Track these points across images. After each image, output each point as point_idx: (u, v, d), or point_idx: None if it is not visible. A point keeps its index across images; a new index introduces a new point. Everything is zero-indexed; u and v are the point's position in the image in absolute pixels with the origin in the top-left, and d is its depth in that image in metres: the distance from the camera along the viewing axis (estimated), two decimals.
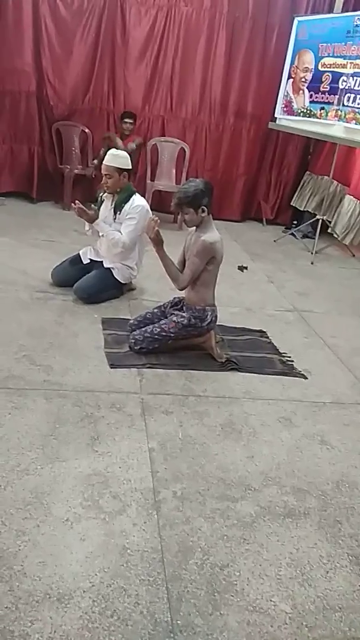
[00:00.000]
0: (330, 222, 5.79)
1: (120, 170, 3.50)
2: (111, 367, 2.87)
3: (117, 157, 3.51)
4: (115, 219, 3.61)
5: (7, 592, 1.57)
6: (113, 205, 3.61)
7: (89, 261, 3.74)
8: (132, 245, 3.61)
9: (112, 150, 3.59)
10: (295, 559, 1.85)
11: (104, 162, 3.54)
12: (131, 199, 3.57)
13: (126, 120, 5.63)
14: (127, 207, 3.56)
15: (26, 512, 1.86)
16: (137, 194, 3.64)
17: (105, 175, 3.52)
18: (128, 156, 3.58)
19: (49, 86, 5.70)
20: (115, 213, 3.61)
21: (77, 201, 3.53)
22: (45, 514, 1.87)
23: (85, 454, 2.19)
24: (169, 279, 3.07)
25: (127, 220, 3.56)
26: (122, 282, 3.73)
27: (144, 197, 5.34)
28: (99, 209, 3.68)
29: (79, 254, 3.80)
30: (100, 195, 3.72)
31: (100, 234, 3.65)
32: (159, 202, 6.01)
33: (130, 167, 3.60)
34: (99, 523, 1.87)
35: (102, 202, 3.71)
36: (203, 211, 2.89)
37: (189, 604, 1.63)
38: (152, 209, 5.74)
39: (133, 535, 1.84)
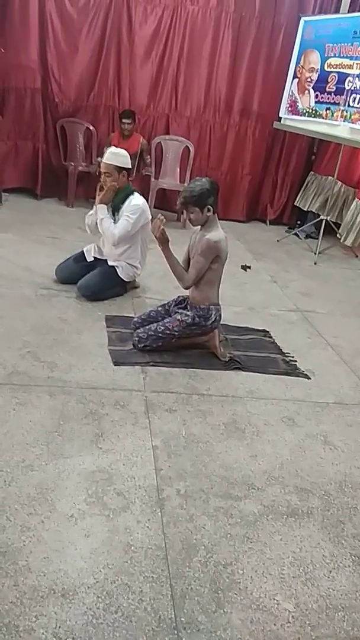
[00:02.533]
0: (334, 222, 5.79)
1: (120, 169, 3.48)
2: (115, 365, 2.88)
3: (117, 156, 3.49)
4: (114, 220, 3.58)
5: (12, 586, 1.58)
6: (111, 205, 3.59)
7: (92, 259, 3.74)
8: (121, 241, 3.55)
9: (112, 149, 3.57)
10: (299, 558, 1.86)
11: (103, 161, 3.53)
12: (128, 199, 3.54)
13: (124, 120, 5.58)
14: (124, 206, 3.53)
15: (31, 507, 1.87)
16: (135, 193, 3.61)
17: (105, 173, 3.50)
18: (128, 155, 3.56)
19: (54, 83, 5.70)
20: (113, 213, 3.59)
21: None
22: (49, 509, 1.87)
23: (89, 451, 2.19)
24: (172, 277, 3.08)
25: (122, 217, 3.52)
26: (126, 280, 3.73)
27: (147, 196, 5.36)
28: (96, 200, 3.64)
29: (83, 251, 3.80)
30: (99, 193, 3.68)
31: (98, 220, 3.59)
32: (163, 201, 6.02)
33: (130, 166, 3.58)
34: (103, 520, 1.87)
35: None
36: (209, 210, 2.89)
37: (192, 602, 1.64)
38: (156, 207, 5.81)
39: (137, 532, 1.84)
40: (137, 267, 3.75)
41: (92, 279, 3.59)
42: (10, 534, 1.75)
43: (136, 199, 3.56)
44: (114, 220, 3.58)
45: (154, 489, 2.05)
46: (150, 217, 3.54)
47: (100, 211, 3.57)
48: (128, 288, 3.82)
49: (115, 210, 3.58)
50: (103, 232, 3.57)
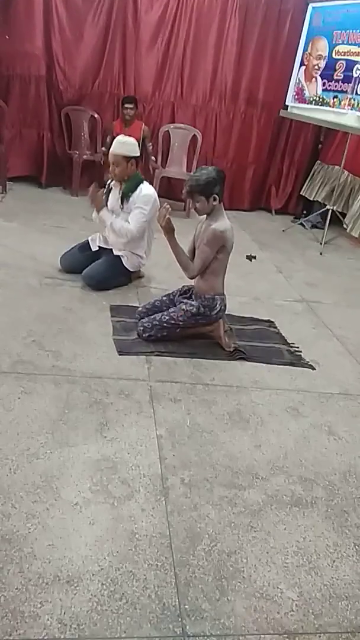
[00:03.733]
0: (340, 212, 5.75)
1: (128, 158, 3.46)
2: (120, 354, 2.88)
3: (125, 145, 3.46)
4: (122, 208, 3.57)
5: (18, 573, 1.59)
6: (120, 194, 3.57)
7: (97, 248, 3.73)
8: (140, 234, 3.58)
9: (120, 138, 3.54)
10: (302, 548, 1.86)
11: (111, 150, 3.49)
12: (139, 188, 3.52)
13: (126, 105, 5.52)
14: (134, 196, 3.51)
15: (36, 495, 1.88)
16: (145, 182, 3.60)
17: (113, 163, 3.47)
18: (136, 143, 3.53)
19: (59, 70, 5.65)
20: (122, 202, 3.56)
21: (95, 183, 3.47)
22: (54, 497, 1.88)
23: (94, 440, 2.20)
24: (177, 267, 3.06)
25: (135, 209, 3.51)
26: (131, 270, 3.72)
27: (152, 184, 5.32)
28: (107, 198, 3.65)
29: (87, 240, 3.79)
30: (109, 182, 3.68)
31: (107, 226, 3.60)
32: (168, 189, 5.99)
33: (138, 154, 3.56)
34: (107, 508, 1.88)
35: (110, 190, 3.66)
36: (215, 199, 2.87)
37: (196, 589, 1.65)
38: (161, 197, 5.72)
39: (142, 521, 1.85)
40: (143, 256, 3.74)
41: (97, 269, 3.59)
42: (16, 522, 1.76)
43: (147, 188, 3.54)
44: (122, 207, 3.56)
45: (159, 478, 2.06)
46: (159, 205, 3.53)
47: (104, 217, 3.55)
48: (133, 278, 3.82)
49: (124, 197, 3.54)
50: (118, 233, 3.54)
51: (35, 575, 1.60)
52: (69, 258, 3.75)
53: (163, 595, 1.61)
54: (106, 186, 3.69)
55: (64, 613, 1.51)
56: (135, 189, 3.52)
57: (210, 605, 1.61)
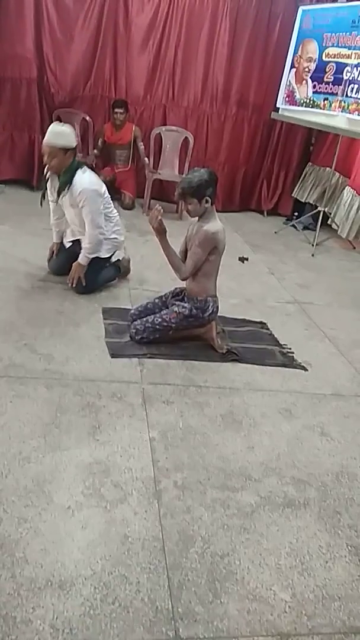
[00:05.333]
0: (330, 213, 5.78)
1: (65, 150, 3.26)
2: (112, 357, 2.87)
3: (60, 135, 3.24)
4: (57, 200, 3.46)
5: (9, 578, 1.58)
6: (57, 187, 3.42)
7: (70, 244, 3.66)
8: (101, 225, 3.43)
9: (54, 127, 3.28)
10: (295, 549, 1.86)
11: (44, 141, 3.27)
12: (73, 181, 3.30)
13: (116, 110, 5.51)
14: (72, 189, 3.33)
15: (28, 499, 1.87)
16: (80, 171, 3.34)
17: (49, 155, 3.25)
18: (72, 132, 3.35)
19: (50, 73, 5.64)
20: (58, 195, 3.43)
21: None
22: (46, 501, 1.87)
23: (86, 443, 2.19)
24: (169, 269, 3.06)
25: (82, 209, 3.34)
26: (108, 255, 3.62)
27: (144, 187, 5.26)
28: (46, 188, 3.51)
29: (61, 242, 3.74)
30: (46, 174, 3.49)
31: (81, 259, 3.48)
32: (160, 192, 5.99)
33: (75, 144, 3.33)
34: (100, 511, 1.87)
35: (47, 181, 3.51)
36: (207, 202, 2.87)
37: (189, 592, 1.65)
38: (154, 198, 5.77)
39: (134, 524, 1.85)
40: (113, 237, 3.60)
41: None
42: (7, 526, 1.75)
43: (80, 182, 3.30)
44: (57, 201, 3.48)
45: (151, 481, 2.05)
46: (103, 186, 3.46)
47: (82, 260, 3.46)
48: (121, 268, 3.77)
49: (61, 190, 3.37)
50: (94, 248, 3.45)
51: (27, 580, 1.59)
52: (53, 264, 3.74)
53: (156, 599, 1.61)
54: (45, 177, 3.51)
55: (57, 618, 1.50)
56: (71, 181, 3.31)
57: (203, 608, 1.61)
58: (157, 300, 3.21)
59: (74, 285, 3.49)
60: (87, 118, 5.77)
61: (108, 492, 1.96)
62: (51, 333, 2.99)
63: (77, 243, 3.61)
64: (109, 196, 3.56)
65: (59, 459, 2.08)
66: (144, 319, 3.07)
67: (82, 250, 3.47)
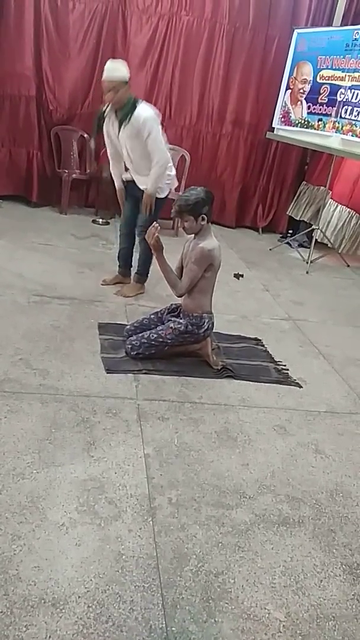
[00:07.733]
0: (324, 232, 5.84)
1: (124, 82, 3.43)
2: (107, 372, 2.87)
3: (118, 70, 3.43)
4: (119, 133, 3.58)
5: (2, 596, 1.57)
6: (118, 120, 3.54)
7: (130, 178, 3.80)
8: (166, 154, 3.64)
9: (110, 64, 3.47)
10: (290, 568, 1.86)
11: (103, 78, 3.45)
12: (136, 111, 3.46)
13: None
14: (133, 121, 3.47)
15: (22, 516, 1.86)
16: (138, 103, 3.52)
17: (109, 90, 3.41)
18: (126, 66, 3.51)
19: (49, 90, 5.71)
20: (119, 127, 3.55)
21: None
22: (40, 518, 1.86)
23: (81, 459, 2.18)
24: (165, 285, 3.09)
25: (147, 140, 3.50)
26: (164, 195, 3.79)
27: None
28: (100, 126, 3.66)
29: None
30: (103, 110, 3.63)
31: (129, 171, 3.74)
32: None
33: (129, 77, 3.50)
34: (94, 528, 1.86)
35: (103, 118, 3.63)
36: (203, 219, 2.91)
37: (183, 611, 1.64)
38: None
39: (128, 541, 1.84)
40: (170, 174, 3.78)
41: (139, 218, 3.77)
42: (1, 543, 1.74)
43: (143, 112, 3.48)
44: (118, 134, 3.60)
45: (146, 498, 2.05)
46: (160, 115, 3.66)
47: (151, 188, 3.65)
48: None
49: (123, 122, 3.52)
50: (159, 179, 3.65)
51: (21, 598, 1.58)
52: (127, 212, 3.94)
53: (150, 618, 1.59)
54: (101, 115, 3.65)
55: (49, 637, 1.49)
56: (132, 112, 3.47)
57: (197, 627, 1.59)
58: (153, 316, 3.23)
59: (150, 214, 3.68)
60: (85, 135, 5.83)
61: (102, 509, 1.96)
62: (46, 348, 3.00)
63: (136, 188, 3.77)
64: None
65: (54, 475, 2.07)
66: (140, 334, 3.08)
67: (149, 180, 3.63)
